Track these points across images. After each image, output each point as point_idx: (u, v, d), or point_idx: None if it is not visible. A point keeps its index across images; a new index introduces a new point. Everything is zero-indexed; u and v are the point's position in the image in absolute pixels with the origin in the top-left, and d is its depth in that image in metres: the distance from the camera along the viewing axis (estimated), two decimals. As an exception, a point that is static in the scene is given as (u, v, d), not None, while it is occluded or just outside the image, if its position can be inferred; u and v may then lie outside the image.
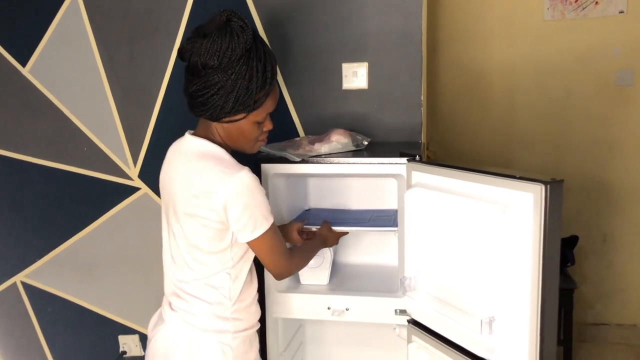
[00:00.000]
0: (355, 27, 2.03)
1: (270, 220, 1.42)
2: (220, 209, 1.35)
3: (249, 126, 1.42)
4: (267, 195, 1.78)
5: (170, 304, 1.50)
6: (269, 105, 1.43)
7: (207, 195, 1.35)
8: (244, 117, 1.39)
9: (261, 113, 1.42)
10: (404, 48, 2.01)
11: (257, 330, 1.58)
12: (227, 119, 1.40)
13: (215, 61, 1.32)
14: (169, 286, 1.52)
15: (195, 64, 1.34)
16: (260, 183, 1.40)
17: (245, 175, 1.35)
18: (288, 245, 1.64)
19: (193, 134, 1.45)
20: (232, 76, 1.33)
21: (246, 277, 1.50)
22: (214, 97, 1.35)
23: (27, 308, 2.43)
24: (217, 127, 1.43)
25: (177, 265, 1.47)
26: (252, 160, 1.79)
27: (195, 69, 1.35)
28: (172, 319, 1.48)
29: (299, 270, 1.69)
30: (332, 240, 1.83)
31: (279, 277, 1.53)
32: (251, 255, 1.49)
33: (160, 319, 1.53)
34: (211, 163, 1.38)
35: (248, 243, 1.42)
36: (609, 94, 3.11)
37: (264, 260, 1.47)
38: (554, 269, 1.27)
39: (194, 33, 1.37)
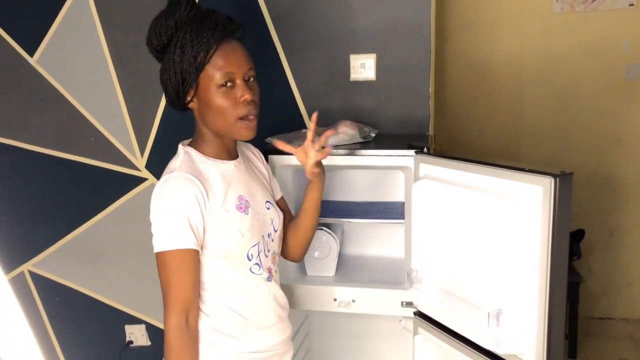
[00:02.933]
0: (364, 18, 2.02)
1: (172, 243, 1.22)
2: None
3: (215, 96, 1.27)
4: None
5: None
6: (220, 64, 1.26)
7: None
8: (197, 87, 1.28)
9: (213, 74, 1.26)
10: (413, 40, 2.00)
11: (280, 353, 1.43)
12: (188, 98, 1.30)
13: (157, 42, 1.30)
14: None
15: (154, 56, 1.36)
16: (179, 196, 1.24)
17: (165, 179, 1.26)
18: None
19: (188, 144, 1.38)
20: (170, 50, 1.28)
21: (219, 299, 1.34)
22: (165, 79, 1.31)
23: (34, 297, 2.44)
24: (198, 120, 1.34)
25: None
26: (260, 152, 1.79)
27: (159, 61, 1.35)
28: None
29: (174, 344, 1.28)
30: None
31: (164, 325, 1.26)
32: (238, 266, 1.34)
33: None
34: (166, 168, 1.33)
35: None
36: (617, 87, 3.09)
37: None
38: (563, 262, 1.26)
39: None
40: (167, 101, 1.35)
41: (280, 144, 1.43)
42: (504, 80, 3.26)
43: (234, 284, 1.35)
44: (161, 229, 1.24)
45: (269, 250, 1.41)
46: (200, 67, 1.26)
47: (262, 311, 1.39)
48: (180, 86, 1.29)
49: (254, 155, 1.56)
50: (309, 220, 1.54)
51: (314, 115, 1.44)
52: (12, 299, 2.38)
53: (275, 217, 1.45)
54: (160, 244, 1.24)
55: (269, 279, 1.40)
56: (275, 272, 1.45)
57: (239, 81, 1.28)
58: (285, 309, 1.48)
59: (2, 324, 2.07)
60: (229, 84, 1.27)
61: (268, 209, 1.43)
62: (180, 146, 1.36)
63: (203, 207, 1.26)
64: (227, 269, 1.33)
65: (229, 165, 1.37)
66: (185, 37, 1.26)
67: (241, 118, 1.29)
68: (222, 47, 1.27)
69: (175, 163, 1.31)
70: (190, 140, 1.39)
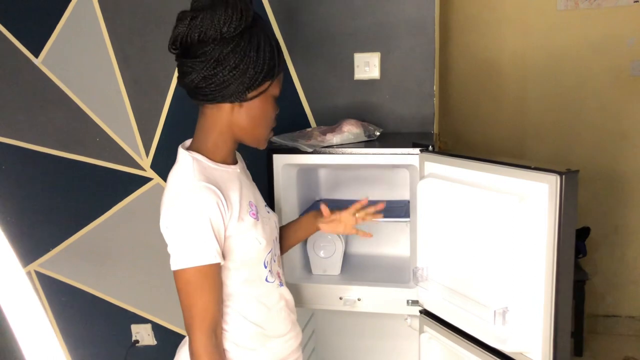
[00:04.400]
0: (368, 16, 2.02)
1: (196, 259, 1.16)
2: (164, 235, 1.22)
3: (270, 102, 1.27)
4: (278, 186, 1.80)
5: None
6: (281, 76, 1.29)
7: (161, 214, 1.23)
8: (269, 86, 1.24)
9: (277, 83, 1.28)
10: (417, 38, 1.99)
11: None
12: (252, 94, 1.23)
13: (231, 27, 1.17)
14: None
15: (207, 39, 1.17)
16: (199, 209, 1.17)
17: (183, 190, 1.19)
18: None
19: (190, 143, 1.31)
20: (253, 39, 1.20)
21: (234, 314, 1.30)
22: (238, 68, 1.19)
23: (41, 297, 2.45)
24: (227, 117, 1.25)
25: None
26: (263, 151, 1.79)
27: (201, 46, 1.18)
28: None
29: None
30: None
31: (190, 350, 1.20)
32: (256, 276, 1.32)
33: (185, 341, 1.36)
34: (173, 178, 1.25)
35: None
36: (622, 84, 3.08)
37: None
38: (569, 259, 1.26)
39: (184, 15, 1.21)
40: (216, 94, 1.21)
41: (324, 208, 1.55)
42: (509, 78, 3.26)
43: (250, 295, 1.31)
44: (182, 244, 1.17)
45: (275, 255, 1.40)
46: (280, 70, 1.26)
47: (277, 319, 1.37)
48: (259, 77, 1.22)
49: (242, 158, 1.50)
50: (299, 239, 1.62)
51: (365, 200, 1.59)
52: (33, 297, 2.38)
53: (276, 220, 1.45)
54: (182, 261, 1.16)
55: (280, 284, 1.40)
56: (283, 274, 1.45)
57: None
58: (295, 313, 1.47)
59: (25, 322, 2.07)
60: None
61: (268, 212, 1.42)
62: (184, 152, 1.26)
63: (225, 217, 1.20)
64: (243, 279, 1.29)
65: (236, 170, 1.32)
66: (269, 34, 1.23)
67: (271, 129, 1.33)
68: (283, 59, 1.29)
69: (187, 171, 1.22)
70: (190, 142, 1.31)
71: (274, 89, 1.27)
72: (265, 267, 1.33)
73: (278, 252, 1.44)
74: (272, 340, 1.35)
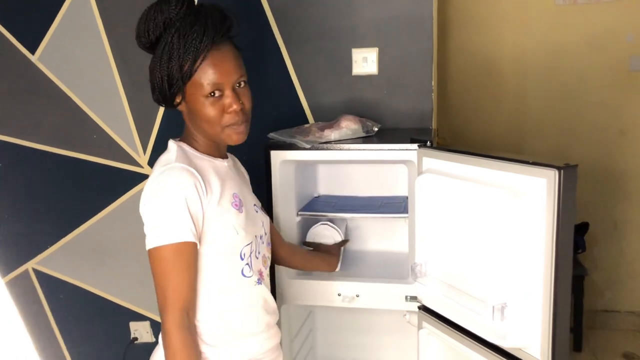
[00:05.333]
0: (365, 12, 2.01)
1: (171, 236, 1.16)
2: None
3: (202, 106, 1.24)
4: (276, 182, 1.79)
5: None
6: (208, 74, 1.22)
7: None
8: (184, 94, 1.25)
9: (200, 84, 1.22)
10: (415, 33, 1.99)
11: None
12: (176, 101, 1.27)
13: (145, 40, 1.26)
14: None
15: (145, 51, 1.30)
16: (178, 187, 1.19)
17: (162, 171, 1.21)
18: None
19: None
20: (158, 51, 1.24)
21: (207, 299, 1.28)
22: (153, 78, 1.26)
23: (39, 295, 2.44)
24: (186, 119, 1.32)
25: None
26: (261, 148, 1.79)
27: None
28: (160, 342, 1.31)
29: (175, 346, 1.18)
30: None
31: (162, 330, 1.19)
32: (231, 266, 1.30)
33: (157, 341, 1.36)
34: (156, 163, 1.29)
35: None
36: (622, 79, 3.07)
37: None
38: (567, 255, 1.26)
39: None
40: (153, 93, 1.30)
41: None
42: (507, 73, 3.25)
43: (224, 287, 1.30)
44: (158, 222, 1.18)
45: (259, 252, 1.37)
46: (187, 76, 1.22)
47: (249, 318, 1.35)
48: (167, 90, 1.25)
49: (238, 161, 1.52)
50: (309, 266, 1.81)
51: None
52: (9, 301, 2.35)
53: (265, 221, 1.44)
54: (156, 238, 1.17)
55: (259, 281, 1.36)
56: (267, 275, 1.42)
57: (227, 91, 1.25)
58: (274, 316, 1.43)
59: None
60: (217, 93, 1.24)
61: (257, 212, 1.41)
62: (171, 141, 1.31)
63: (203, 199, 1.21)
64: (218, 269, 1.28)
65: (222, 163, 1.34)
66: (173, 42, 1.21)
67: (228, 126, 1.27)
68: (211, 54, 1.22)
69: (169, 156, 1.26)
70: (180, 137, 1.35)
71: (198, 90, 1.23)
72: (242, 259, 1.31)
73: (264, 252, 1.41)
74: (240, 339, 1.33)
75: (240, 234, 1.29)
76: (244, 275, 1.32)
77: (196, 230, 1.20)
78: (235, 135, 1.28)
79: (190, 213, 1.18)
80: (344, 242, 1.90)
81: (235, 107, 1.24)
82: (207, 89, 1.22)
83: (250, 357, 1.34)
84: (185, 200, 1.18)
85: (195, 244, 1.20)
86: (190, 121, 1.30)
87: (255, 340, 1.35)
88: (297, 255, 1.74)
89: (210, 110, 1.24)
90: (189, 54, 1.20)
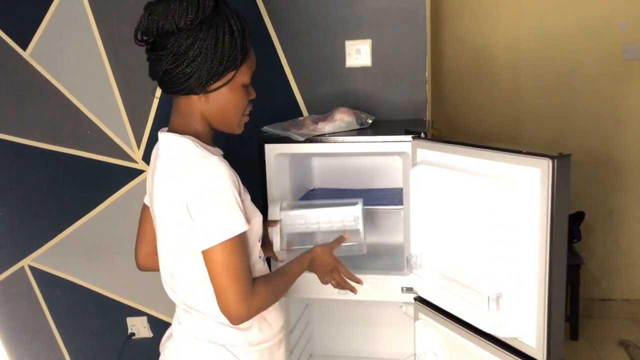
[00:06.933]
0: (358, 3, 2.01)
1: (233, 229, 1.16)
2: (185, 210, 1.17)
3: (238, 91, 1.25)
4: (270, 175, 1.79)
5: (178, 317, 1.37)
6: (251, 63, 1.26)
7: (173, 199, 1.20)
8: (233, 76, 1.22)
9: (248, 70, 1.26)
10: (408, 24, 1.98)
11: (281, 338, 1.40)
12: (215, 85, 1.22)
13: (187, 20, 1.16)
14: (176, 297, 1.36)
15: (164, 32, 1.17)
16: (229, 177, 1.17)
17: (209, 166, 1.18)
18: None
19: (167, 130, 1.28)
20: (211, 31, 1.18)
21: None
22: (196, 61, 1.18)
23: (35, 292, 2.44)
24: (198, 107, 1.25)
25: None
26: (256, 141, 1.78)
27: (162, 39, 1.19)
28: (179, 334, 1.35)
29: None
30: (324, 265, 1.49)
31: (231, 320, 1.20)
32: (254, 252, 1.30)
33: (171, 334, 1.39)
34: (173, 160, 1.23)
35: (203, 255, 1.18)
36: (615, 68, 3.07)
37: (214, 288, 1.18)
38: (562, 244, 1.26)
39: (146, 7, 1.21)
40: (180, 86, 1.21)
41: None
42: (502, 63, 3.24)
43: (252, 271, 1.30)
44: (219, 217, 1.15)
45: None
46: (244, 59, 1.23)
47: None
48: (219, 69, 1.20)
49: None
50: None
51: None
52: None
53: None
54: (221, 234, 1.14)
55: (263, 260, 1.39)
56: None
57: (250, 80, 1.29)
58: None
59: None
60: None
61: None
62: (175, 136, 1.24)
63: (238, 190, 1.21)
64: (251, 255, 1.29)
65: (221, 152, 1.32)
66: (232, 23, 1.20)
67: (244, 115, 1.30)
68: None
69: (193, 148, 1.21)
70: (167, 128, 1.30)
71: (241, 77, 1.24)
72: (259, 242, 1.34)
73: None
74: (261, 319, 1.32)
75: (261, 217, 1.32)
76: (259, 258, 1.35)
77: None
78: (243, 127, 1.32)
79: (239, 203, 1.18)
80: (274, 222, 1.65)
81: (254, 95, 1.30)
82: (249, 78, 1.27)
83: (270, 337, 1.34)
84: (235, 192, 1.18)
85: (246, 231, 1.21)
86: (208, 108, 1.25)
87: (271, 319, 1.35)
88: None
89: (244, 98, 1.27)
90: (246, 36, 1.22)
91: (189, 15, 1.15)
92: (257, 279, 1.23)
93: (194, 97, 1.24)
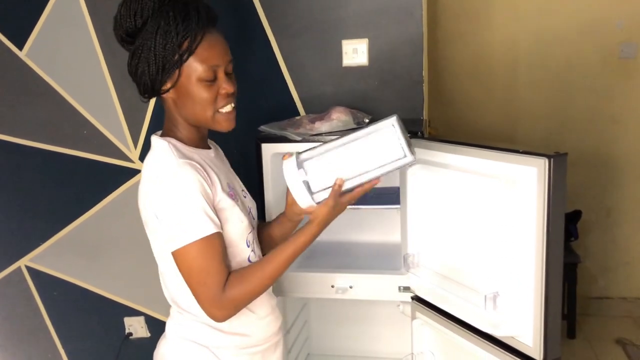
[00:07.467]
0: (355, 3, 2.01)
1: (195, 233, 1.16)
2: (154, 215, 1.21)
3: (196, 88, 1.21)
4: (267, 176, 1.79)
5: (171, 316, 1.39)
6: (205, 56, 1.20)
7: (145, 203, 1.24)
8: (178, 77, 1.20)
9: (197, 66, 1.20)
10: (405, 23, 1.98)
11: (277, 341, 1.41)
12: (166, 87, 1.22)
13: (130, 24, 1.19)
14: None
15: (120, 38, 1.24)
16: (192, 182, 1.18)
17: (172, 172, 1.19)
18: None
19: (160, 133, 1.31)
20: (148, 33, 1.19)
21: None
22: (140, 65, 1.21)
23: (32, 292, 2.44)
24: (171, 108, 1.26)
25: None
26: (252, 141, 1.78)
27: (124, 45, 1.25)
28: (169, 332, 1.37)
29: (246, 304, 1.24)
30: (336, 216, 1.34)
31: (211, 319, 1.21)
32: (238, 250, 1.30)
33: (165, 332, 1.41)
34: (147, 165, 1.25)
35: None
36: (612, 67, 3.08)
37: (189, 287, 1.21)
38: (558, 243, 1.26)
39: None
40: (139, 89, 1.26)
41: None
42: (499, 61, 3.24)
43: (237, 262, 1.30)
44: (180, 221, 1.16)
45: (255, 238, 1.39)
46: (184, 57, 1.19)
47: (259, 302, 1.33)
48: (159, 75, 1.20)
49: (218, 146, 1.48)
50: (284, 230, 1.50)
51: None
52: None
53: (253, 206, 1.43)
54: (183, 238, 1.16)
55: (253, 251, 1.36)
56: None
57: (220, 74, 1.23)
58: (274, 298, 1.45)
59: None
60: (212, 75, 1.22)
61: (245, 197, 1.40)
62: (157, 138, 1.27)
63: (210, 193, 1.21)
64: (229, 260, 1.27)
65: (210, 154, 1.32)
66: (168, 22, 1.17)
67: (219, 110, 1.25)
68: (206, 37, 1.20)
69: (166, 153, 1.22)
70: (160, 131, 1.31)
71: (194, 72, 1.20)
72: (248, 247, 1.32)
73: (257, 238, 1.42)
74: (252, 324, 1.32)
75: (244, 222, 1.30)
76: (250, 262, 1.32)
77: (217, 219, 1.20)
78: (225, 122, 1.26)
79: (208, 206, 1.19)
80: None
81: (228, 88, 1.24)
82: (203, 71, 1.20)
83: (261, 341, 1.35)
84: (200, 195, 1.18)
85: (219, 233, 1.20)
86: (179, 109, 1.25)
87: (264, 323, 1.36)
88: (274, 229, 1.52)
89: (204, 93, 1.21)
90: (187, 34, 1.18)
91: (130, 20, 1.20)
92: (232, 276, 1.20)
93: (165, 98, 1.26)
